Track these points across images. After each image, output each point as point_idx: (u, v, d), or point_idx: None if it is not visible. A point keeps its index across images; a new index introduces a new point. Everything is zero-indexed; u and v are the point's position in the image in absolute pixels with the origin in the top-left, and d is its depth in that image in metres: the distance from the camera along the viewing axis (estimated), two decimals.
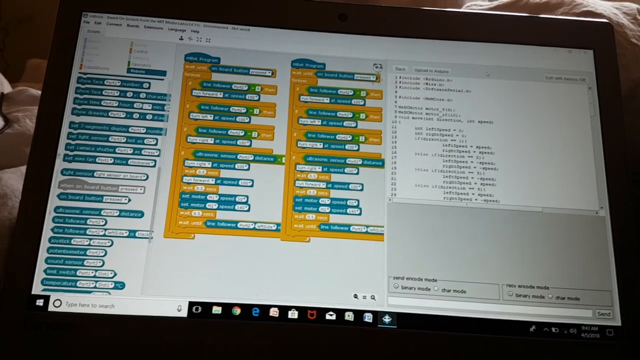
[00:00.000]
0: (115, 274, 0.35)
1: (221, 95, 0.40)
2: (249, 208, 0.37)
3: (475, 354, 0.35)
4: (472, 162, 0.39)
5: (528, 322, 0.36)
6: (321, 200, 0.38)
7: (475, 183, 0.38)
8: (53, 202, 0.36)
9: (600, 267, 0.37)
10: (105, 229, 0.36)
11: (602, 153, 0.39)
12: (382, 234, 0.37)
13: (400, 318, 0.35)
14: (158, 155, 0.38)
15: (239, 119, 0.39)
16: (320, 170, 0.38)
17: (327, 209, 0.38)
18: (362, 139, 0.39)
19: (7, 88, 0.73)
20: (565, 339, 0.35)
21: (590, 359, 0.35)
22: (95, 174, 0.37)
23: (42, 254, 0.35)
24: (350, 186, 0.38)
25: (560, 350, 0.35)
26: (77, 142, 0.38)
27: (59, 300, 0.35)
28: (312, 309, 0.35)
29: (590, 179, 0.38)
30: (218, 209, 0.37)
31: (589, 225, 0.37)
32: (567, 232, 0.37)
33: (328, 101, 0.40)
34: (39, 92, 0.39)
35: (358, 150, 0.39)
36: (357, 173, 0.38)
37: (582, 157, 0.39)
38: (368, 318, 0.35)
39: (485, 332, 0.35)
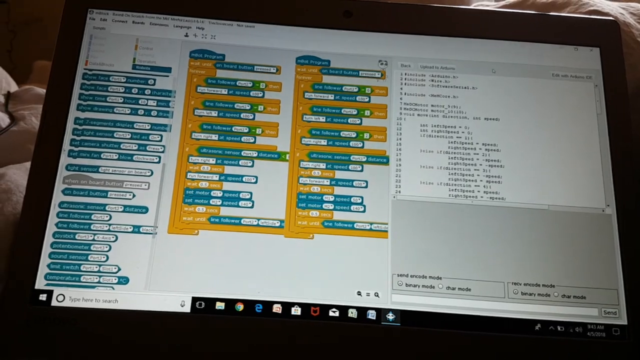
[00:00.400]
0: (119, 269, 0.35)
1: (226, 92, 0.40)
2: (253, 204, 0.37)
3: (480, 353, 0.35)
4: (477, 159, 0.38)
5: (533, 320, 0.35)
6: (325, 197, 0.38)
7: (481, 180, 0.38)
8: (57, 197, 0.36)
9: (606, 265, 0.36)
10: (110, 224, 0.36)
11: (608, 151, 0.39)
12: (386, 231, 0.37)
13: (404, 315, 0.35)
14: (162, 152, 0.38)
15: (243, 115, 0.39)
16: (324, 167, 0.38)
17: (331, 206, 0.37)
18: (366, 135, 0.39)
19: (13, 88, 0.73)
20: (570, 338, 0.35)
21: (596, 358, 0.34)
22: (100, 170, 0.37)
23: (46, 249, 0.35)
24: (355, 183, 0.38)
25: (566, 349, 0.35)
26: (82, 137, 0.38)
27: (62, 295, 0.35)
28: (315, 305, 0.35)
29: (597, 177, 0.38)
30: (222, 205, 0.37)
31: (595, 223, 0.37)
32: (573, 230, 0.37)
33: (333, 98, 0.40)
34: (44, 90, 0.39)
35: (362, 147, 0.39)
36: (362, 170, 0.38)
37: (588, 154, 0.39)
38: (371, 315, 0.35)
39: (490, 330, 0.35)
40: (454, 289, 0.36)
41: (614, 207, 0.37)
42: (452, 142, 0.39)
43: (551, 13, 0.46)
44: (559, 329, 0.35)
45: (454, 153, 0.39)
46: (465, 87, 0.40)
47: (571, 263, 0.36)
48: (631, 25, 0.49)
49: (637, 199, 0.38)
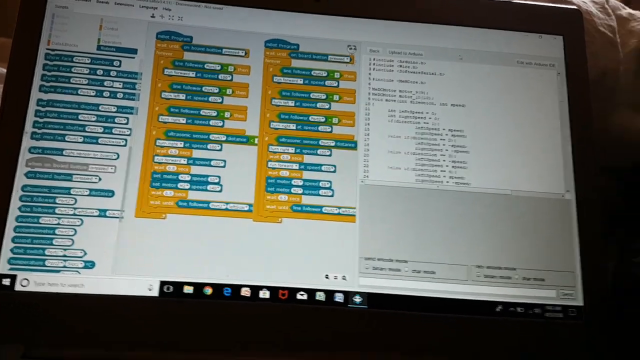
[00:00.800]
0: (85, 253, 0.35)
1: (193, 75, 0.39)
2: (221, 188, 0.37)
3: (444, 334, 0.36)
4: (444, 145, 0.39)
5: (495, 302, 0.36)
6: (294, 182, 0.38)
7: (447, 166, 0.39)
8: (20, 180, 0.36)
9: (564, 249, 0.38)
10: (75, 208, 0.36)
11: (569, 138, 0.40)
12: (354, 216, 0.37)
13: (371, 298, 0.36)
14: (129, 135, 0.38)
15: (211, 99, 0.39)
16: (293, 151, 0.38)
17: (300, 190, 0.38)
18: (335, 120, 0.39)
19: None
20: (529, 318, 0.36)
21: (554, 338, 0.36)
22: (64, 153, 0.37)
23: (9, 233, 0.35)
24: (323, 167, 0.38)
25: (525, 329, 0.36)
26: (45, 119, 0.37)
27: (26, 279, 0.34)
28: (283, 289, 0.36)
29: (558, 163, 0.39)
30: (190, 189, 0.37)
31: (555, 208, 0.38)
32: (534, 215, 0.38)
33: (302, 82, 0.40)
34: (5, 70, 0.38)
35: (331, 132, 0.39)
36: (330, 155, 0.39)
37: (550, 141, 0.40)
38: (339, 298, 0.36)
39: (454, 312, 0.36)
40: (419, 272, 0.37)
41: (573, 192, 0.39)
42: (419, 127, 0.39)
43: (516, 1, 0.46)
44: (519, 310, 0.36)
45: (421, 138, 0.39)
46: (432, 73, 0.41)
47: (532, 247, 0.37)
48: (593, 14, 0.50)
49: (596, 185, 0.39)
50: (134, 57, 0.39)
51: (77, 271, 0.35)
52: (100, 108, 0.38)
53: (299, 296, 0.36)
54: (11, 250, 0.35)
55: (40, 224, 0.35)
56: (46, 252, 0.35)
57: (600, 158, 0.40)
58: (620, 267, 0.36)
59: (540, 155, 0.39)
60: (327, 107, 0.39)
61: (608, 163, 0.44)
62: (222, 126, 0.38)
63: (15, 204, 0.35)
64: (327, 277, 0.36)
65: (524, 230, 0.38)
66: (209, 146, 0.38)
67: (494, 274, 0.37)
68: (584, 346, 0.35)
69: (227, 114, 0.39)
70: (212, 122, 0.38)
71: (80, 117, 0.37)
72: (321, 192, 0.38)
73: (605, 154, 0.43)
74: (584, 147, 0.40)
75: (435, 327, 0.36)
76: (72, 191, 0.36)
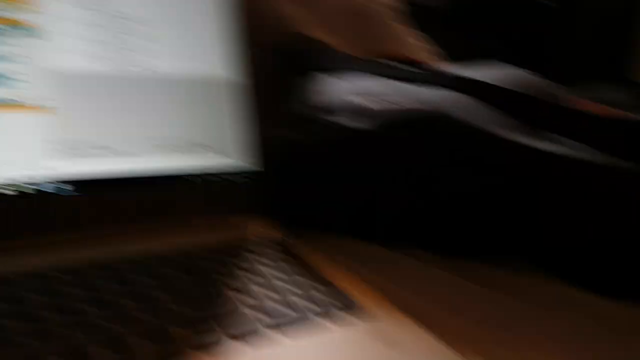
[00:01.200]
0: None
1: None
2: None
3: (147, 203, 0.40)
4: (127, 32, 0.40)
5: (186, 171, 0.42)
6: None
7: (131, 53, 0.40)
8: None
9: (238, 123, 0.45)
10: None
11: (236, 23, 0.45)
12: (47, 106, 0.37)
13: (76, 184, 0.38)
14: None
15: None
16: None
17: None
18: (15, 5, 0.36)
19: None
20: (218, 183, 0.43)
21: (237, 196, 0.44)
22: None
23: None
24: (7, 57, 0.36)
25: (215, 191, 0.43)
26: None
27: None
28: None
29: (227, 49, 0.45)
30: None
31: (227, 87, 0.45)
32: (211, 95, 0.44)
33: None
34: None
35: (11, 17, 0.36)
36: (13, 43, 0.36)
37: (219, 27, 0.45)
38: (44, 188, 0.36)
39: (144, 184, 0.40)
40: (117, 153, 0.39)
41: (240, 72, 0.45)
42: (103, 13, 0.40)
43: None
44: (211, 178, 0.43)
45: (107, 26, 0.39)
46: None
47: (212, 122, 0.44)
48: None
49: (260, 64, 0.46)
50: None
51: None
52: None
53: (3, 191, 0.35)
54: None
55: None
56: None
57: (263, 42, 0.48)
58: (291, 133, 0.45)
59: (212, 43, 0.44)
60: None
61: (271, 45, 0.52)
62: None
63: None
64: (25, 169, 0.36)
65: (199, 107, 0.43)
66: None
67: (182, 149, 0.42)
68: (260, 201, 0.45)
69: None
70: None
71: None
72: (9, 82, 0.36)
73: (269, 38, 0.51)
74: (248, 33, 0.46)
75: (139, 199, 0.40)
76: None
